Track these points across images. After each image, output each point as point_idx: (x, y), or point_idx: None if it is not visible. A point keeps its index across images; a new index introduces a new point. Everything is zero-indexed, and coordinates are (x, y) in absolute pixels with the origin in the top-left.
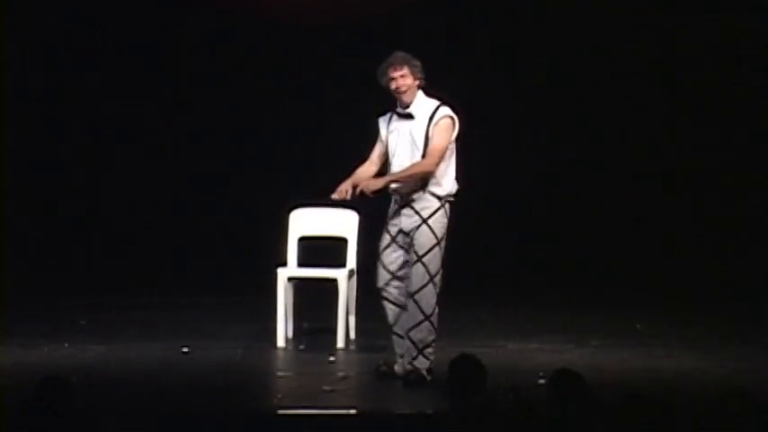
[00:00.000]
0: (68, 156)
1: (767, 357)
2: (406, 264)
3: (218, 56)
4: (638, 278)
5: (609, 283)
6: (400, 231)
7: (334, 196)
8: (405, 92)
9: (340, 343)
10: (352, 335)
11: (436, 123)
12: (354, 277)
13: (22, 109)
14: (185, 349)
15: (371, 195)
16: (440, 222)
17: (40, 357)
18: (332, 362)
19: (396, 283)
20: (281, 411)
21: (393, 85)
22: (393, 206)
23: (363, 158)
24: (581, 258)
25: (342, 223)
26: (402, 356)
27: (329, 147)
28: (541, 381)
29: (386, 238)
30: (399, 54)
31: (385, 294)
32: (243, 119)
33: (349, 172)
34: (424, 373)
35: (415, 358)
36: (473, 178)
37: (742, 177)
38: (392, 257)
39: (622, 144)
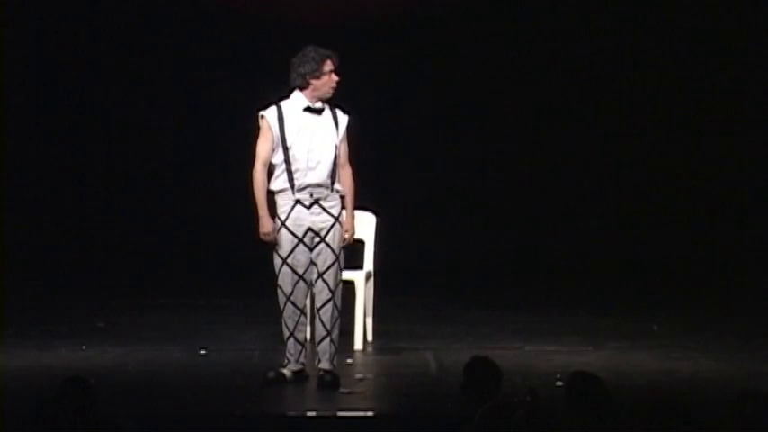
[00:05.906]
0: (82, 159)
1: None
2: (310, 264)
3: (220, 55)
4: (656, 279)
5: (626, 285)
6: (309, 230)
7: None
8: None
9: (357, 345)
10: (370, 337)
11: (345, 128)
12: (372, 279)
13: (29, 108)
14: (203, 351)
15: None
16: (343, 219)
17: (57, 360)
18: (349, 364)
19: (300, 284)
20: (297, 413)
21: (334, 79)
22: (294, 205)
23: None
24: (598, 260)
25: (359, 225)
26: (297, 360)
27: None
28: (559, 383)
29: (290, 240)
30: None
31: (292, 299)
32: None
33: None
34: (336, 371)
35: (334, 356)
36: (490, 180)
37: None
38: (301, 260)
39: (637, 143)
